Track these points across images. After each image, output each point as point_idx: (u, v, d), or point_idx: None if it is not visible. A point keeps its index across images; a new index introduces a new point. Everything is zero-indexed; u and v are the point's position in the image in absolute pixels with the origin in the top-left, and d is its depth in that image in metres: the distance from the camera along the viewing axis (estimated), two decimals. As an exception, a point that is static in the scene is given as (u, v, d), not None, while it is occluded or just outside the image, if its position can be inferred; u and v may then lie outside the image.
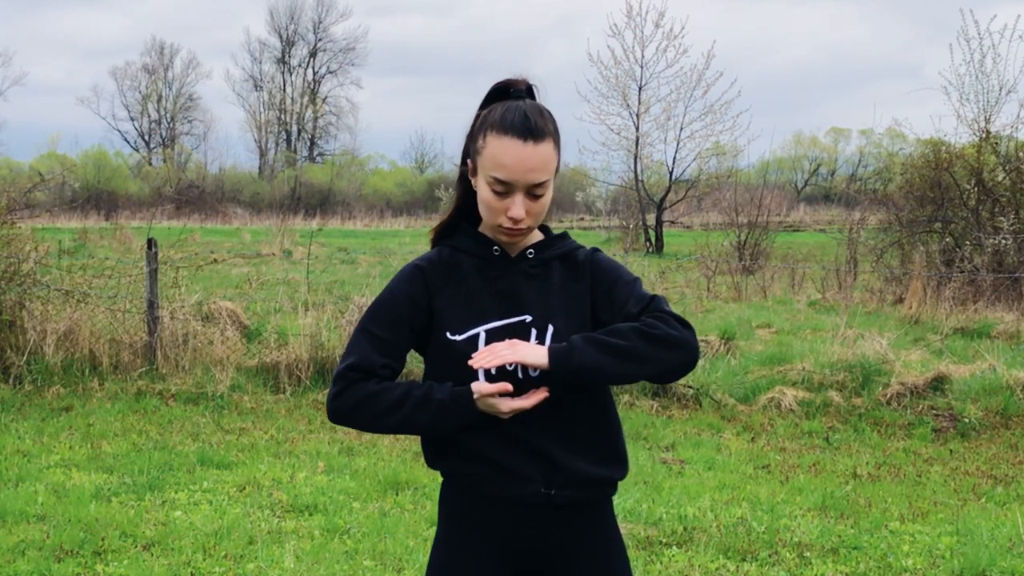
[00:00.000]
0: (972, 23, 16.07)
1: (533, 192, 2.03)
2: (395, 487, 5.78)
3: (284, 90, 67.32)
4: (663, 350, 1.99)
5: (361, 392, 2.05)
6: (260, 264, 18.22)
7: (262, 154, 66.44)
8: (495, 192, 2.03)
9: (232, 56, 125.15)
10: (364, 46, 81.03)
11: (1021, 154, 14.46)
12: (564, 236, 2.18)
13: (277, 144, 67.29)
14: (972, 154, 14.80)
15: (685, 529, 5.10)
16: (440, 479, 2.22)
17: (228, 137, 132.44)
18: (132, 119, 66.04)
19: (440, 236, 2.20)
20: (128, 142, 65.57)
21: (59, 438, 6.76)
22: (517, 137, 2.00)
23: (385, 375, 2.08)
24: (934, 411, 7.60)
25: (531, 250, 2.12)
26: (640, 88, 29.38)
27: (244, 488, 5.74)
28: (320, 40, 66.91)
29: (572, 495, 2.07)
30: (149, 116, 66.25)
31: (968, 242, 14.38)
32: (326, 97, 67.65)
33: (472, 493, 2.10)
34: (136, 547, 4.74)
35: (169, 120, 66.26)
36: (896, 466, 6.52)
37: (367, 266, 18.95)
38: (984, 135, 14.90)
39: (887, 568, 4.68)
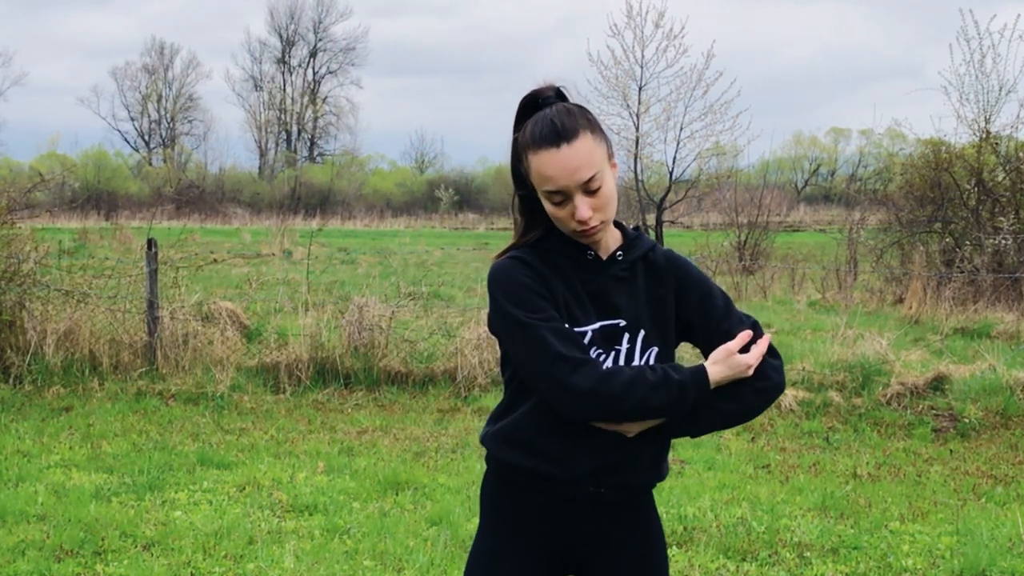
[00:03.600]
0: (972, 23, 16.05)
1: (588, 189, 2.02)
2: (395, 487, 5.78)
3: (284, 90, 67.38)
4: (764, 402, 2.11)
5: (594, 372, 1.97)
6: (260, 264, 18.21)
7: (262, 154, 66.48)
8: (556, 204, 2.04)
9: (232, 56, 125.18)
10: (364, 46, 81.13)
11: (1021, 154, 14.45)
12: (639, 234, 2.20)
13: (277, 144, 67.34)
14: (972, 154, 14.79)
15: (685, 529, 5.10)
16: (482, 470, 2.25)
17: (228, 137, 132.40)
18: (132, 119, 66.14)
19: (516, 247, 2.17)
20: (128, 142, 65.66)
21: (59, 438, 6.76)
22: (551, 146, 2.01)
23: (586, 349, 2.05)
24: (934, 411, 7.60)
25: (620, 252, 2.14)
26: (640, 88, 29.31)
27: (244, 488, 5.74)
28: (320, 40, 66.97)
29: (619, 495, 2.13)
30: (149, 116, 66.32)
31: (968, 242, 14.37)
32: (326, 97, 67.71)
33: (523, 484, 2.12)
34: (136, 547, 4.74)
35: (169, 120, 66.30)
36: (896, 466, 6.52)
37: (367, 266, 18.96)
38: (984, 135, 14.89)
39: (887, 568, 4.68)
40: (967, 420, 7.38)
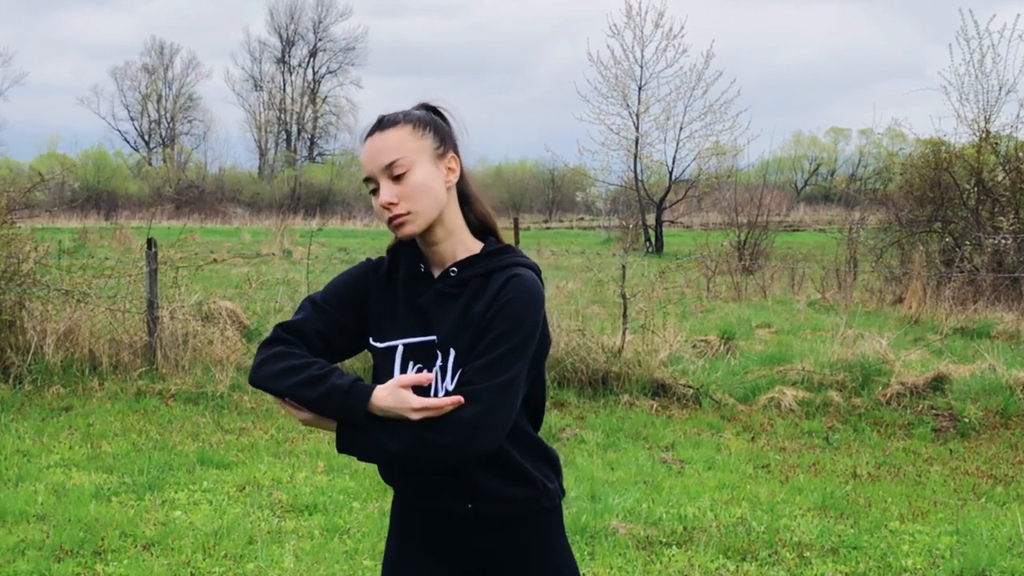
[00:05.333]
0: (972, 23, 16.07)
1: (392, 174, 2.03)
2: (395, 487, 5.78)
3: (284, 90, 67.39)
4: (429, 455, 1.95)
5: (271, 351, 2.07)
6: (260, 264, 18.20)
7: (262, 154, 66.50)
8: (372, 193, 2.07)
9: (232, 56, 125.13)
10: (364, 46, 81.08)
11: (1021, 154, 14.45)
12: (498, 252, 2.09)
13: (277, 144, 67.35)
14: (972, 154, 14.80)
15: (685, 529, 5.10)
16: None
17: (228, 137, 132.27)
18: (132, 119, 66.16)
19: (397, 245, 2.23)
20: (128, 142, 65.67)
21: (59, 438, 6.75)
22: (369, 136, 2.08)
23: (316, 345, 2.09)
24: (934, 411, 7.60)
25: (454, 268, 2.08)
26: (640, 88, 29.38)
27: (244, 488, 5.74)
28: (320, 40, 66.97)
29: (494, 511, 2.08)
30: (149, 116, 66.34)
31: (968, 242, 14.38)
32: (326, 97, 67.72)
33: (408, 502, 2.16)
34: (136, 547, 4.74)
35: (169, 120, 66.31)
36: (896, 466, 6.53)
37: (367, 266, 18.92)
38: (984, 135, 14.90)
39: (887, 568, 4.68)
40: (967, 420, 7.38)
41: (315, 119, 67.60)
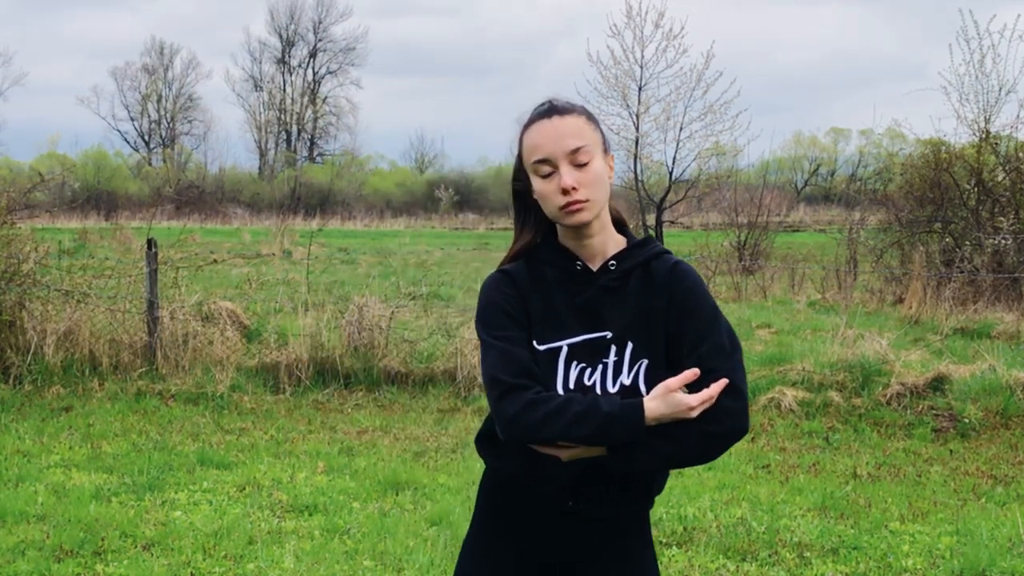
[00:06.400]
0: (972, 23, 16.05)
1: (575, 161, 2.03)
2: (395, 487, 5.78)
3: (284, 90, 67.38)
4: (714, 447, 2.00)
5: (519, 401, 1.96)
6: (260, 264, 18.20)
7: (262, 154, 66.48)
8: (543, 176, 2.04)
9: (232, 56, 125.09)
10: (364, 46, 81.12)
11: (1021, 154, 14.44)
12: (645, 242, 2.15)
13: (277, 144, 67.34)
14: (972, 154, 14.79)
15: (685, 529, 5.10)
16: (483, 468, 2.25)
17: (228, 137, 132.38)
18: (132, 119, 66.16)
19: (513, 260, 2.17)
20: (128, 142, 65.67)
21: (59, 438, 6.75)
22: (542, 118, 2.06)
23: (532, 372, 2.01)
24: (934, 411, 7.60)
25: (612, 262, 2.10)
26: (640, 88, 29.32)
27: (244, 488, 5.74)
28: (320, 40, 66.97)
29: (600, 512, 2.09)
30: (149, 116, 66.35)
31: (968, 242, 14.37)
32: (326, 97, 67.72)
33: (510, 488, 2.13)
34: (136, 547, 4.74)
35: (169, 120, 66.31)
36: (896, 466, 6.52)
37: (367, 266, 18.97)
38: (984, 135, 14.89)
39: (887, 568, 4.68)
40: (967, 420, 7.38)
41: (315, 119, 67.61)
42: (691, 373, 1.98)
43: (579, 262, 2.09)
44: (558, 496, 2.05)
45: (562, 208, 2.03)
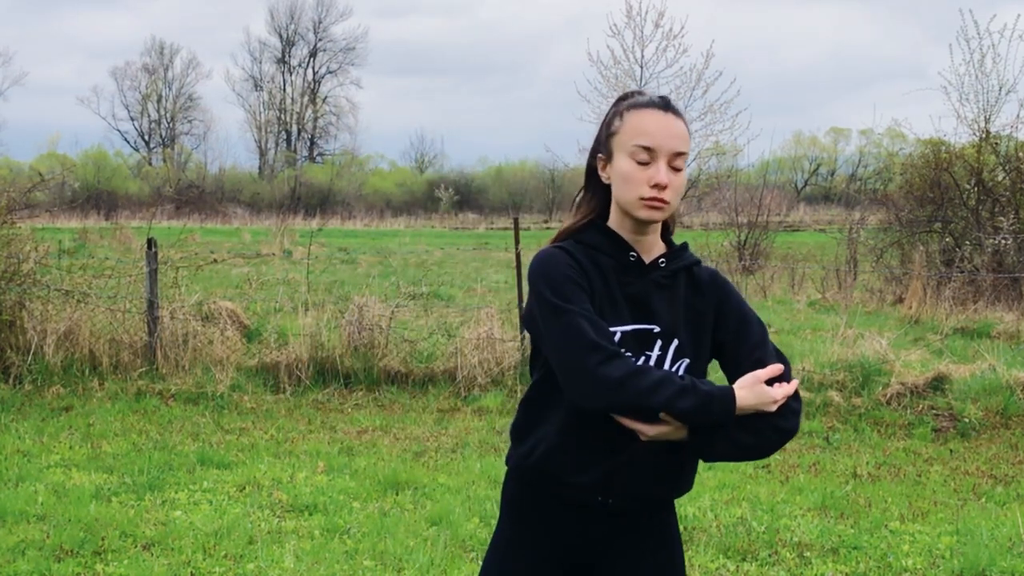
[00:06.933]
0: (972, 23, 16.05)
1: (674, 164, 2.05)
2: (395, 487, 5.78)
3: (284, 90, 67.42)
4: (779, 441, 2.05)
5: (625, 365, 1.94)
6: (260, 264, 18.21)
7: (262, 154, 66.51)
8: (639, 162, 2.05)
9: (232, 56, 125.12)
10: (364, 46, 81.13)
11: (1021, 154, 14.44)
12: (686, 247, 2.20)
13: (277, 144, 67.36)
14: (972, 154, 14.79)
15: (685, 529, 5.10)
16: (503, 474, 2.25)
17: (228, 137, 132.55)
18: (132, 119, 66.19)
19: (567, 236, 2.17)
20: (128, 142, 65.69)
21: (59, 438, 6.75)
22: (658, 109, 2.07)
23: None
24: (934, 411, 7.60)
25: (663, 259, 2.12)
26: (640, 88, 29.38)
27: (244, 488, 5.74)
28: (320, 40, 66.99)
29: (628, 507, 2.10)
30: (149, 116, 66.37)
31: (968, 242, 14.38)
32: (326, 97, 67.73)
33: (537, 487, 2.12)
34: (136, 547, 4.74)
35: (169, 120, 66.33)
36: (896, 466, 6.52)
37: (367, 266, 18.96)
38: (984, 135, 14.89)
39: (887, 568, 4.68)
40: (967, 420, 7.38)
41: (315, 119, 67.64)
42: (776, 368, 2.04)
43: (633, 253, 2.11)
44: (588, 492, 2.06)
45: (644, 199, 2.05)
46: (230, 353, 8.60)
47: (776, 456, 6.71)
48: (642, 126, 2.05)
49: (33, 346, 8.21)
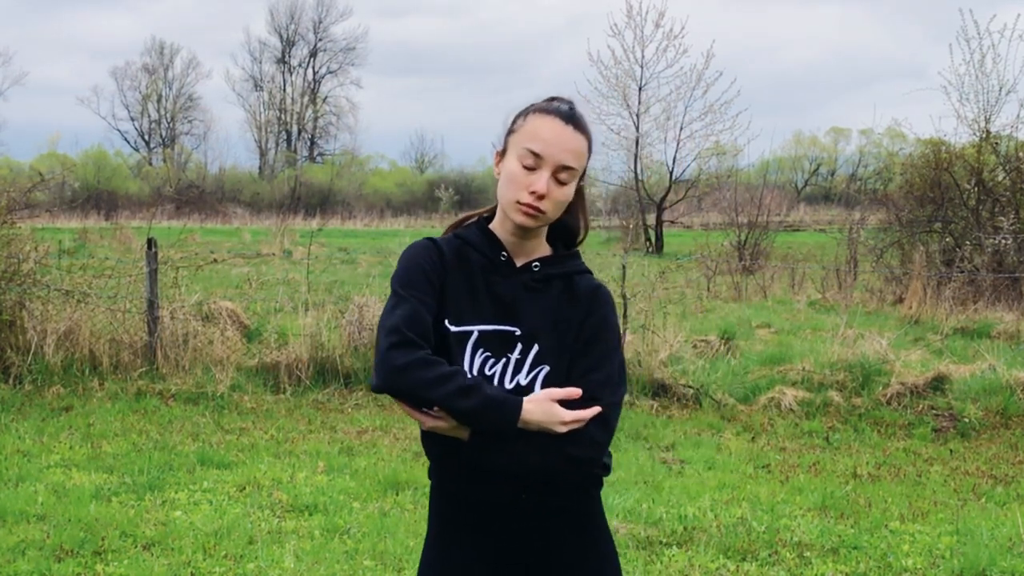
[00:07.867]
0: (972, 23, 16.05)
1: (559, 176, 2.04)
2: (395, 487, 5.78)
3: (284, 90, 67.35)
4: (570, 469, 2.01)
5: (415, 355, 1.94)
6: (260, 264, 18.21)
7: (262, 154, 66.46)
8: (524, 166, 2.04)
9: (232, 56, 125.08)
10: (364, 46, 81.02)
11: (1021, 154, 14.45)
12: (573, 256, 2.18)
13: (277, 144, 67.31)
14: (972, 154, 14.80)
15: (685, 529, 5.10)
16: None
17: (228, 137, 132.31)
18: (132, 119, 66.10)
19: (451, 229, 2.19)
20: (128, 142, 65.63)
21: (59, 438, 6.75)
22: (559, 119, 2.05)
23: (431, 341, 2.01)
24: (934, 411, 7.60)
25: (536, 263, 2.11)
26: (640, 88, 29.36)
27: (244, 488, 5.74)
28: (320, 40, 66.95)
29: (548, 500, 2.08)
30: (149, 116, 66.31)
31: (968, 242, 14.38)
32: (326, 97, 67.69)
33: (456, 494, 2.11)
34: (136, 547, 4.74)
35: (169, 120, 66.29)
36: (896, 466, 6.53)
37: (367, 266, 18.95)
38: (984, 135, 14.90)
39: (887, 568, 4.68)
40: (967, 420, 7.39)
41: (315, 119, 67.59)
42: (574, 391, 2.00)
43: (504, 253, 2.10)
44: (508, 489, 2.04)
45: (521, 203, 2.05)
46: (230, 353, 8.60)
47: (776, 456, 6.71)
48: (537, 131, 2.04)
49: (33, 346, 8.21)
